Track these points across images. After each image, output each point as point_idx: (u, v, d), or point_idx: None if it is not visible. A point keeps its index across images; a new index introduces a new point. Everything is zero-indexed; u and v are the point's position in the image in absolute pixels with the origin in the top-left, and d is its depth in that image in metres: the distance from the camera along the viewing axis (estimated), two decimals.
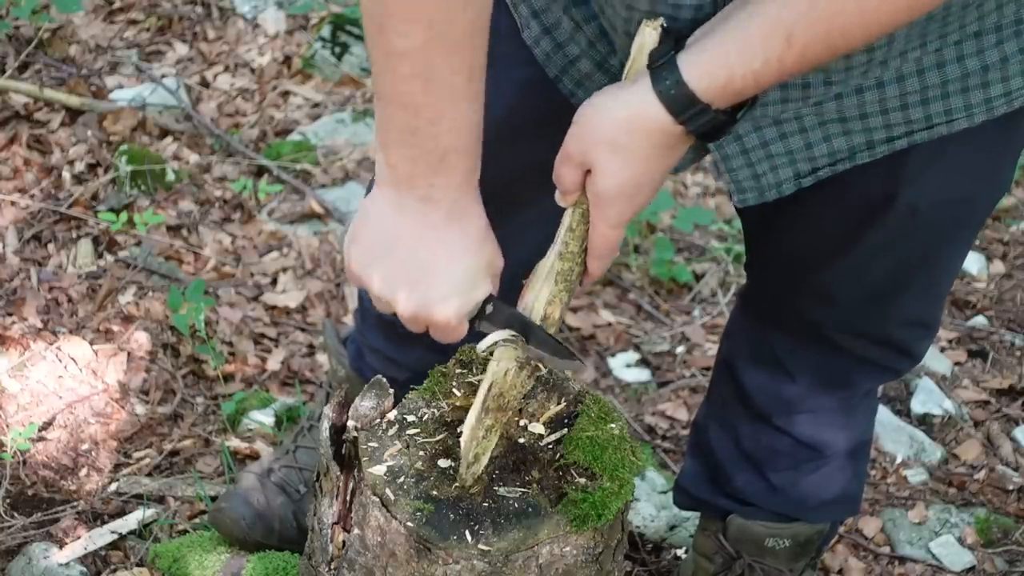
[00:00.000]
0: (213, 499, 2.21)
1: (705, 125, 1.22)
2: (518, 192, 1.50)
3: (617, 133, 1.23)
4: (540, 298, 1.33)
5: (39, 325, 2.58)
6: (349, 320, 2.76)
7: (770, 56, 1.17)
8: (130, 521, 2.17)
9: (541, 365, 1.38)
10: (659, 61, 1.21)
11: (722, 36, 1.19)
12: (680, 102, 1.20)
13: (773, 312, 1.78)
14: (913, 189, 1.48)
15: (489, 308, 1.32)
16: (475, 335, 1.34)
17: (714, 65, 1.19)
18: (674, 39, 1.23)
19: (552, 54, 1.49)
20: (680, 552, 2.26)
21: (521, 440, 1.39)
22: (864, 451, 1.93)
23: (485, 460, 1.33)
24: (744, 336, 1.86)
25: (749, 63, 1.17)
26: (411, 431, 1.38)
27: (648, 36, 1.25)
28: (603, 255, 1.33)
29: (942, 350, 2.85)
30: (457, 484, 1.32)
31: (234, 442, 2.36)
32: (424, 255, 1.28)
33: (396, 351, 1.92)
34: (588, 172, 1.27)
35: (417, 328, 1.32)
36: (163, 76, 3.57)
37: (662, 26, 1.25)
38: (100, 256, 2.84)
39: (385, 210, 1.29)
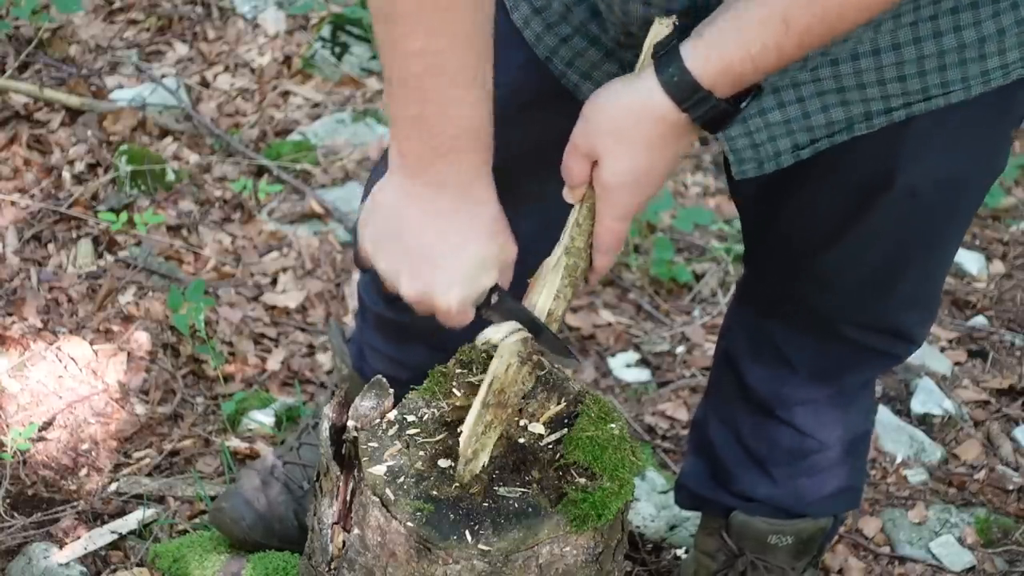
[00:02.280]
0: (213, 499, 2.21)
1: (708, 113, 1.23)
2: (512, 179, 1.51)
3: (623, 122, 1.24)
4: (545, 293, 1.33)
5: (39, 325, 2.58)
6: (349, 320, 2.76)
7: (768, 41, 1.18)
8: (130, 521, 2.17)
9: (544, 361, 1.38)
10: (662, 51, 1.23)
11: (721, 23, 1.21)
12: (683, 90, 1.21)
13: (772, 301, 1.78)
14: (911, 170, 1.49)
15: (495, 298, 1.32)
16: (481, 323, 1.34)
17: (713, 51, 1.20)
18: (679, 31, 1.24)
19: (542, 35, 1.50)
20: (680, 552, 2.26)
21: (521, 440, 1.39)
22: (864, 444, 1.93)
23: (484, 458, 1.33)
24: (743, 329, 1.86)
25: (747, 48, 1.19)
26: (411, 431, 1.38)
27: (660, 33, 1.26)
28: (609, 249, 1.33)
29: (942, 350, 2.85)
30: (455, 482, 1.32)
31: (234, 442, 2.37)
32: (430, 241, 1.28)
33: (396, 350, 1.93)
34: (595, 164, 1.28)
35: (423, 312, 1.33)
36: (163, 76, 3.57)
37: (674, 23, 1.26)
38: (100, 256, 2.84)
39: (395, 195, 1.30)
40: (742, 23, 1.19)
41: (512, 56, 1.46)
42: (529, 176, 1.46)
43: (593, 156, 1.28)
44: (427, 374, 1.47)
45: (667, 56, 1.22)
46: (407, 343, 1.88)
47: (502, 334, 1.31)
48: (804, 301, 1.72)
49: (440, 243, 1.29)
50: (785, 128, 1.44)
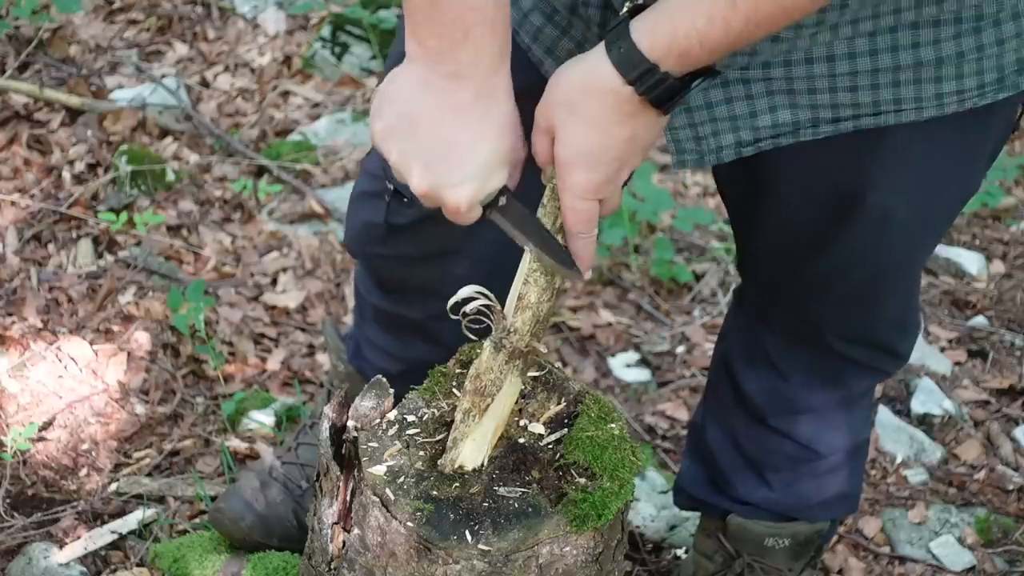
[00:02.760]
0: (213, 499, 2.21)
1: (655, 88, 1.21)
2: None
3: (573, 94, 1.24)
4: (521, 280, 1.33)
5: (39, 325, 2.58)
6: (349, 319, 2.76)
7: (715, 14, 1.17)
8: (130, 521, 2.17)
9: (541, 362, 1.38)
10: (614, 25, 1.22)
11: None
12: (629, 61, 1.20)
13: (763, 309, 1.79)
14: (882, 188, 1.48)
15: (502, 200, 1.31)
16: (487, 225, 1.33)
17: (659, 23, 1.19)
18: (634, 8, 1.24)
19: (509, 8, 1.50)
20: (680, 552, 2.26)
21: (521, 440, 1.39)
22: (862, 450, 1.93)
23: (468, 449, 1.33)
24: (739, 336, 1.86)
25: (693, 21, 1.17)
26: (411, 431, 1.38)
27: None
28: (576, 232, 1.31)
29: (942, 350, 2.85)
30: (456, 485, 1.32)
31: (234, 442, 2.36)
32: (445, 135, 1.27)
33: (392, 344, 1.92)
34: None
35: (429, 204, 1.31)
36: (163, 76, 3.57)
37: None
38: (100, 256, 2.84)
39: (411, 86, 1.28)
40: None
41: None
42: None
43: (551, 131, 1.27)
44: (422, 368, 1.47)
45: (617, 29, 1.22)
46: (403, 336, 1.88)
47: (465, 293, 1.31)
48: (791, 311, 1.73)
49: (455, 138, 1.27)
50: (730, 124, 1.43)
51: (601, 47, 1.23)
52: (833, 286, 1.65)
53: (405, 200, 1.44)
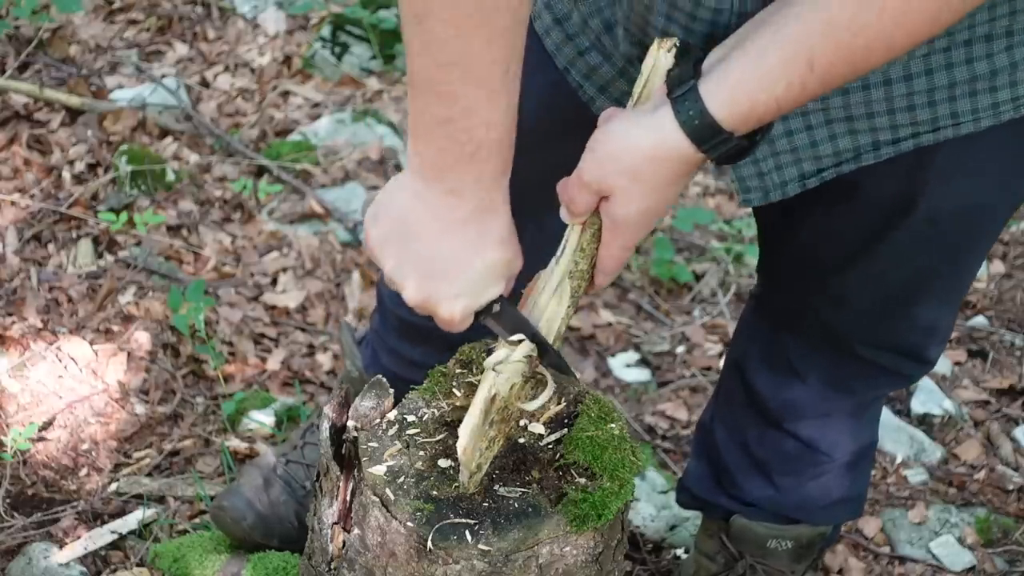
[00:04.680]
0: (213, 499, 2.21)
1: (727, 152, 1.22)
2: (516, 199, 1.50)
3: (639, 163, 1.23)
4: (547, 314, 1.34)
5: (39, 325, 2.58)
6: (350, 319, 2.76)
7: (792, 80, 1.16)
8: (130, 521, 2.17)
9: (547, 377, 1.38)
10: (680, 90, 1.20)
11: (743, 63, 1.18)
12: (704, 132, 1.19)
13: (787, 315, 1.77)
14: (933, 198, 1.48)
15: (496, 307, 1.32)
16: (480, 327, 1.34)
17: (737, 93, 1.18)
18: (692, 61, 1.22)
19: (562, 46, 1.49)
20: (680, 552, 2.26)
21: (521, 440, 1.39)
22: (869, 454, 1.93)
23: (486, 467, 1.33)
24: (756, 339, 1.85)
25: (771, 90, 1.16)
26: (411, 431, 1.38)
27: (662, 58, 1.25)
28: (612, 272, 1.34)
29: None
30: (456, 485, 1.32)
31: (234, 442, 2.36)
32: (441, 250, 1.27)
33: (415, 352, 1.93)
34: (604, 198, 1.27)
35: (423, 314, 1.32)
36: (163, 76, 3.57)
37: (675, 45, 1.25)
38: (100, 256, 2.84)
39: (409, 198, 1.28)
40: (765, 64, 1.16)
41: (538, 79, 1.45)
42: (534, 198, 1.45)
43: (604, 192, 1.26)
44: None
45: (685, 97, 1.20)
46: (427, 345, 1.88)
47: (512, 355, 1.31)
48: (819, 317, 1.71)
49: (451, 253, 1.27)
50: (792, 156, 1.43)
51: (667, 112, 1.21)
52: (865, 294, 1.63)
53: None
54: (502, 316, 1.33)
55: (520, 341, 1.31)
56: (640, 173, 1.23)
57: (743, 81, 1.18)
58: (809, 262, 1.65)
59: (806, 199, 1.52)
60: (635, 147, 1.23)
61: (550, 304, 1.35)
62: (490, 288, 1.30)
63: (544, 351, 1.33)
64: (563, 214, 1.32)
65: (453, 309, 1.29)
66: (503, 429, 1.33)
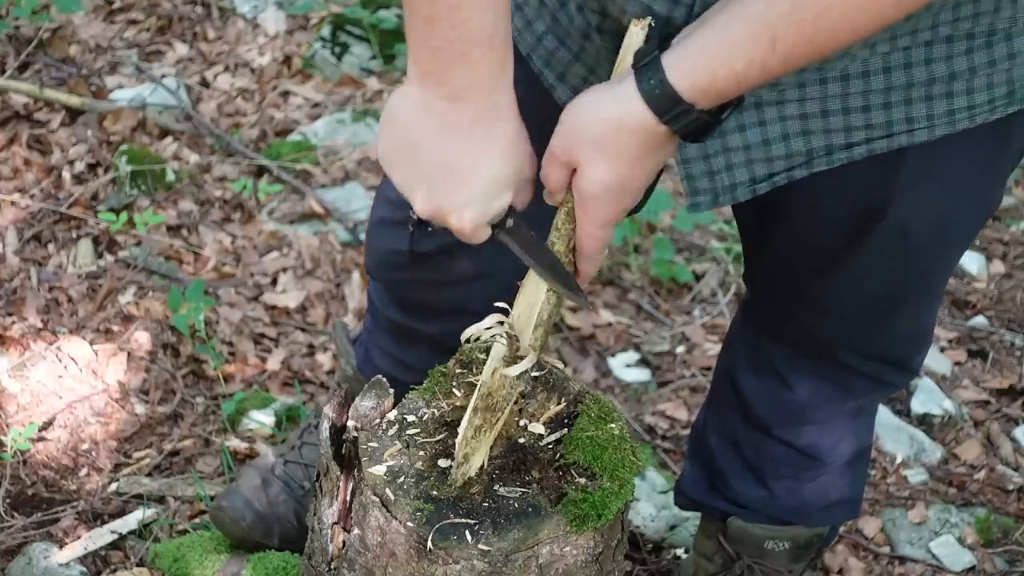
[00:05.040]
0: (213, 499, 2.21)
1: (689, 125, 1.21)
2: None
3: (603, 133, 1.22)
4: (528, 298, 1.32)
5: (39, 325, 2.58)
6: (350, 319, 2.76)
7: (753, 57, 1.16)
8: (130, 521, 2.17)
9: (541, 362, 1.38)
10: (643, 61, 1.20)
11: (706, 36, 1.18)
12: (664, 102, 1.19)
13: (771, 322, 1.78)
14: (900, 207, 1.47)
15: (510, 221, 1.31)
16: (497, 247, 1.33)
17: (697, 65, 1.18)
18: (659, 39, 1.22)
19: (523, 31, 1.48)
20: (680, 552, 2.26)
21: (521, 440, 1.39)
22: (864, 457, 1.93)
23: (477, 461, 1.33)
24: (744, 346, 1.86)
25: (731, 64, 1.16)
26: (411, 431, 1.38)
27: (635, 36, 1.25)
28: (591, 255, 1.31)
29: (942, 350, 2.85)
30: (442, 475, 1.32)
31: (234, 442, 2.37)
32: (445, 159, 1.26)
33: (403, 353, 1.92)
34: (574, 171, 1.27)
35: (438, 225, 1.31)
36: (163, 76, 3.57)
37: (650, 25, 1.24)
38: (100, 256, 2.84)
39: (411, 107, 1.27)
40: (727, 38, 1.16)
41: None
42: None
43: (572, 164, 1.25)
44: (424, 374, 1.47)
45: (648, 67, 1.19)
46: (417, 348, 1.88)
47: (484, 326, 1.31)
48: (802, 324, 1.71)
49: (455, 161, 1.26)
50: (744, 156, 1.41)
51: (630, 82, 1.20)
52: (844, 302, 1.63)
53: (430, 229, 1.43)
54: (515, 232, 1.31)
55: (498, 323, 1.31)
56: (604, 143, 1.22)
57: (703, 54, 1.17)
58: (785, 270, 1.65)
59: (777, 207, 1.52)
60: (600, 117, 1.22)
61: (528, 288, 1.33)
62: (499, 197, 1.28)
63: (550, 265, 1.31)
64: (545, 195, 1.30)
65: (462, 219, 1.27)
66: (489, 419, 1.32)
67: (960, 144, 1.40)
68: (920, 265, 1.58)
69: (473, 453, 1.32)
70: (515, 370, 1.31)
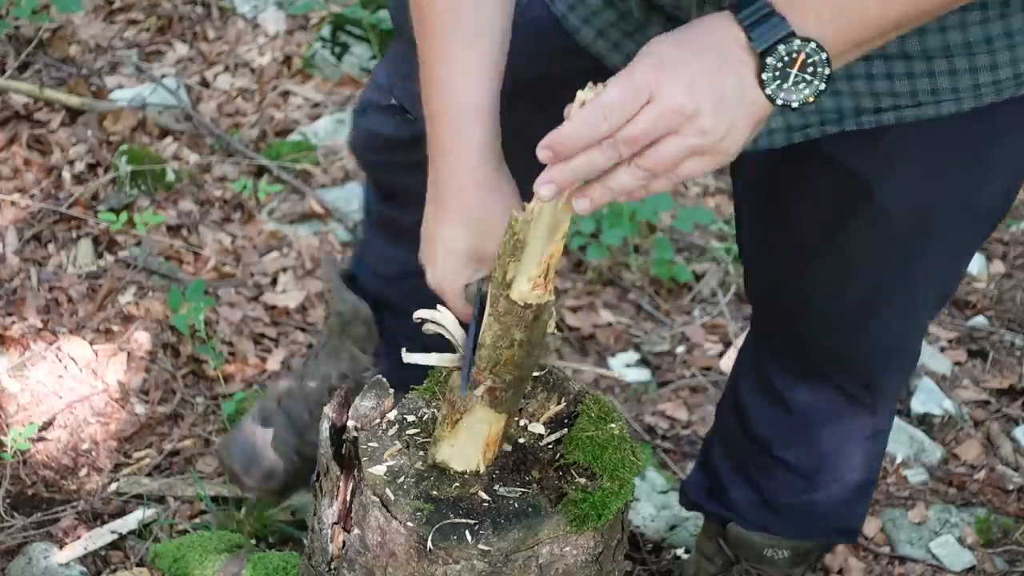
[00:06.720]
0: (213, 499, 2.22)
1: (759, 23, 1.12)
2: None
3: (682, 32, 1.15)
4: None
5: (39, 325, 2.58)
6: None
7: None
8: (130, 521, 2.17)
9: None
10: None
11: None
12: (757, 16, 1.12)
13: (767, 336, 1.81)
14: (886, 185, 1.47)
15: (484, 287, 1.34)
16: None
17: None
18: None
19: None
20: (680, 552, 2.26)
21: (521, 440, 1.39)
22: (868, 488, 1.93)
23: (442, 448, 1.33)
24: (749, 369, 1.88)
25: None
26: (411, 431, 1.38)
27: None
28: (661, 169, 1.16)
29: (942, 350, 2.85)
30: (456, 485, 1.32)
31: None
32: (424, 226, 1.40)
33: (389, 249, 2.00)
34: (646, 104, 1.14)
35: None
36: (163, 76, 3.57)
37: None
38: (100, 256, 2.84)
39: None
40: None
41: (542, 41, 1.49)
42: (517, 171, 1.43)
43: (646, 87, 1.11)
44: (412, 275, 1.48)
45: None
46: (398, 242, 1.93)
47: (425, 315, 1.34)
48: (791, 328, 1.73)
49: (423, 231, 1.40)
50: None
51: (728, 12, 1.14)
52: (827, 299, 1.64)
53: (410, 117, 1.50)
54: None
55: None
56: (681, 38, 1.14)
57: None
58: (776, 255, 1.67)
59: (772, 183, 1.56)
60: (690, 33, 1.15)
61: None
62: (460, 271, 1.37)
63: (469, 359, 1.32)
64: (540, 187, 1.15)
65: (435, 286, 1.39)
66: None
67: (944, 126, 1.40)
68: (903, 260, 1.57)
69: (439, 439, 1.33)
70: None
